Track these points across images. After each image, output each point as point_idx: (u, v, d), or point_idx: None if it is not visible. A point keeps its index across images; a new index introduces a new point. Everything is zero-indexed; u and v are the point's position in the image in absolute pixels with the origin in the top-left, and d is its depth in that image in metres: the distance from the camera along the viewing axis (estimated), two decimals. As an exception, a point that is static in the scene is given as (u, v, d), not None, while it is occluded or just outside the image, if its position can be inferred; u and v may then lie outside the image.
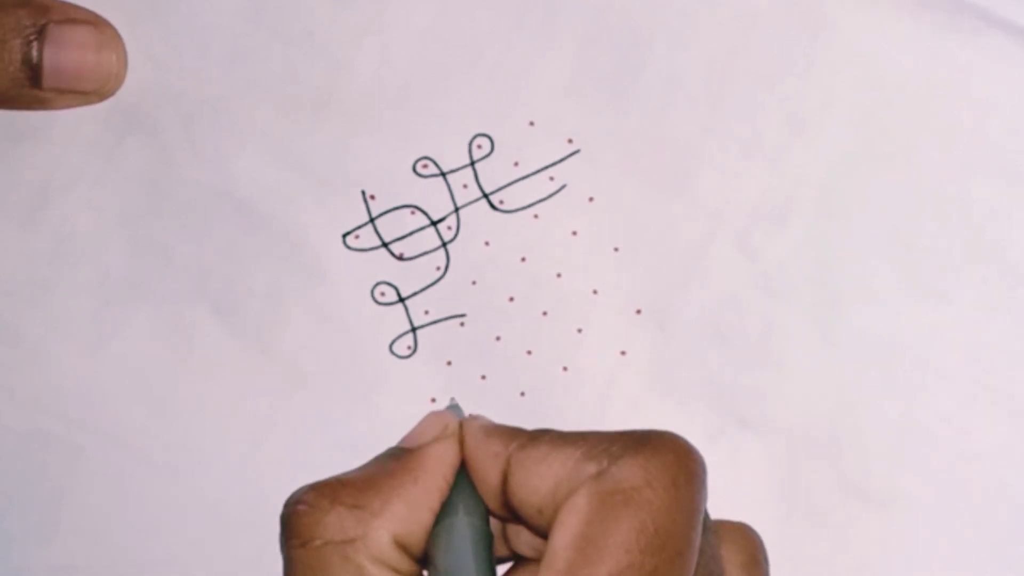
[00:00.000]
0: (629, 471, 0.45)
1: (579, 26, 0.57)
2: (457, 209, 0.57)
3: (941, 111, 0.56)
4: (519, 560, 0.50)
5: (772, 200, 0.56)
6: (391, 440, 0.49)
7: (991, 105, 0.56)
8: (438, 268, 0.57)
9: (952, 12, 0.55)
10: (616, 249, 0.57)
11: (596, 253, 0.57)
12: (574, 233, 0.57)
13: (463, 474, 0.48)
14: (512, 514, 0.48)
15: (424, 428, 0.49)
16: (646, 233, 0.57)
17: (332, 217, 0.57)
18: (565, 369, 0.57)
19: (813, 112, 0.56)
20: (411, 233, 0.57)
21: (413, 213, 0.57)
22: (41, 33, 0.56)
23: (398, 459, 0.48)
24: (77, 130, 0.58)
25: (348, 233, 0.57)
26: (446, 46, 0.57)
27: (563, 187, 0.57)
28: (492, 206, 0.57)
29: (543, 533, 0.47)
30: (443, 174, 0.57)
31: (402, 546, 0.47)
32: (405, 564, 0.47)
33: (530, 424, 0.48)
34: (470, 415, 0.50)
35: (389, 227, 0.57)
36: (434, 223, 0.57)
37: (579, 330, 0.57)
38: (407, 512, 0.47)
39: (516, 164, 0.57)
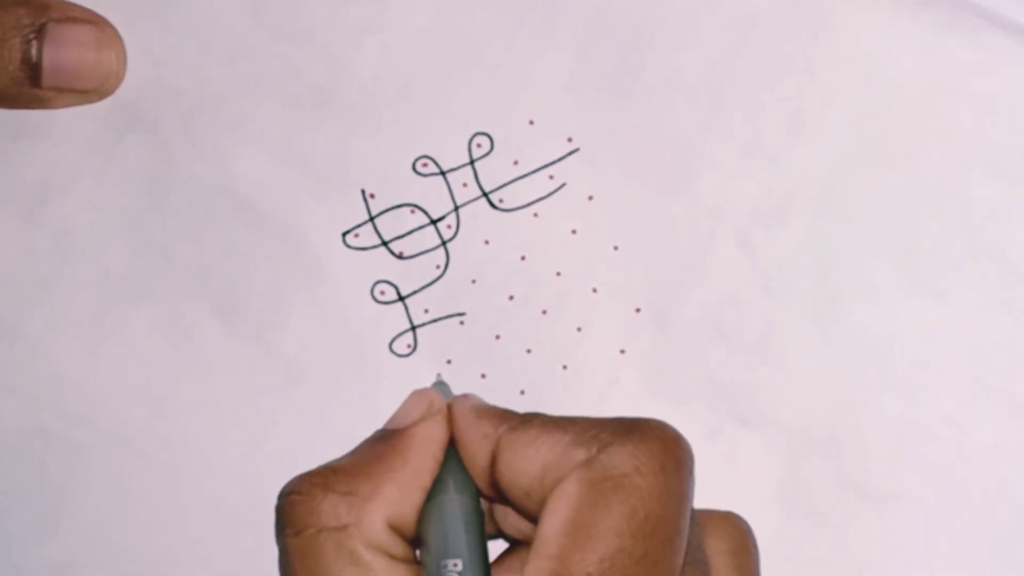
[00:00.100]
0: (619, 458, 0.45)
1: (579, 26, 0.57)
2: (457, 208, 0.57)
3: (941, 111, 0.56)
4: (510, 543, 0.50)
5: (772, 199, 0.56)
6: (391, 438, 0.49)
7: (991, 105, 0.56)
8: (438, 267, 0.57)
9: (952, 11, 0.56)
10: (616, 248, 0.57)
11: (596, 252, 0.57)
12: (574, 232, 0.57)
13: (453, 451, 0.49)
14: (499, 495, 0.48)
15: (409, 408, 0.50)
16: (646, 232, 0.57)
17: (332, 216, 0.57)
18: (565, 368, 0.57)
19: (813, 112, 0.56)
20: (411, 232, 0.57)
21: (413, 212, 0.57)
22: (40, 32, 0.56)
23: (386, 442, 0.48)
24: (77, 128, 0.58)
25: (348, 232, 0.57)
26: (446, 45, 0.57)
27: (563, 186, 0.57)
28: (492, 205, 0.57)
29: (530, 515, 0.47)
30: (443, 173, 0.57)
31: (395, 528, 0.47)
32: (399, 547, 0.47)
33: (530, 422, 0.48)
34: (461, 394, 0.50)
35: (389, 226, 0.57)
36: (434, 222, 0.57)
37: (579, 329, 0.57)
38: (399, 494, 0.47)
39: (516, 163, 0.57)
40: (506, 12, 0.57)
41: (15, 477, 0.57)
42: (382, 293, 0.57)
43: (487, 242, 0.57)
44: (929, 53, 0.56)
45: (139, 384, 0.57)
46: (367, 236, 0.57)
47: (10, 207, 0.58)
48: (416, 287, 0.57)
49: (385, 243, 0.57)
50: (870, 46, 0.56)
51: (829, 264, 0.56)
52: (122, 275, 0.58)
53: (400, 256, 0.57)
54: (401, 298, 0.57)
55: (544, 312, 0.57)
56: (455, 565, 0.46)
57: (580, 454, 0.46)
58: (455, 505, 0.47)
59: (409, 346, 0.57)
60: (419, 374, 0.57)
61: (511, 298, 0.57)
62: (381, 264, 0.57)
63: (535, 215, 0.57)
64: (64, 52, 0.56)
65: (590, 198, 0.57)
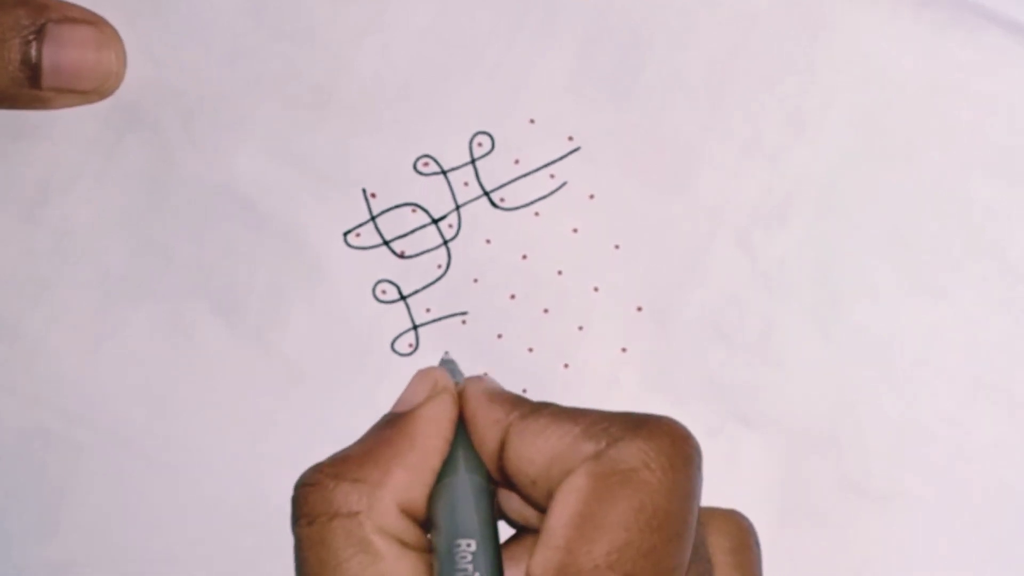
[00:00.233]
0: (628, 452, 0.45)
1: (579, 25, 0.57)
2: (458, 207, 0.57)
3: (941, 110, 0.56)
4: (512, 527, 0.50)
5: (772, 199, 0.56)
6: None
7: (991, 104, 0.56)
8: (439, 266, 0.57)
9: (952, 11, 0.56)
10: (617, 247, 0.57)
11: (597, 251, 0.57)
12: (575, 231, 0.57)
13: (462, 431, 0.48)
14: (505, 480, 0.48)
15: (414, 389, 0.49)
16: (647, 231, 0.57)
17: (333, 215, 0.57)
18: (566, 366, 0.57)
19: (813, 112, 0.56)
20: (412, 231, 0.57)
21: (414, 211, 0.57)
22: (40, 32, 0.56)
23: (393, 425, 0.48)
24: (77, 128, 0.58)
25: (349, 231, 0.57)
26: (446, 45, 0.57)
27: (564, 185, 0.57)
28: (493, 204, 0.57)
29: (534, 503, 0.47)
30: (444, 172, 0.57)
31: (408, 512, 0.47)
32: (411, 532, 0.47)
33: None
34: (475, 376, 0.50)
35: (390, 225, 0.57)
36: (435, 221, 0.57)
37: (580, 327, 0.57)
38: (409, 478, 0.47)
39: (517, 162, 0.57)
40: (506, 12, 0.57)
41: (15, 477, 0.57)
42: (383, 292, 0.57)
43: (488, 241, 0.57)
44: (929, 53, 0.56)
45: (139, 384, 0.57)
46: (368, 235, 0.57)
47: (10, 207, 0.58)
48: (418, 286, 0.57)
49: (386, 242, 0.57)
50: (870, 46, 0.56)
51: (829, 264, 0.56)
52: (122, 275, 0.58)
53: (401, 255, 0.57)
54: (403, 297, 0.57)
55: (545, 311, 0.57)
56: (468, 545, 0.46)
57: (589, 447, 0.46)
58: (466, 484, 0.47)
59: (411, 345, 0.57)
60: (420, 374, 0.57)
61: (512, 297, 0.57)
62: (382, 263, 0.57)
63: (536, 214, 0.57)
64: (64, 52, 0.56)
65: (591, 197, 0.57)
